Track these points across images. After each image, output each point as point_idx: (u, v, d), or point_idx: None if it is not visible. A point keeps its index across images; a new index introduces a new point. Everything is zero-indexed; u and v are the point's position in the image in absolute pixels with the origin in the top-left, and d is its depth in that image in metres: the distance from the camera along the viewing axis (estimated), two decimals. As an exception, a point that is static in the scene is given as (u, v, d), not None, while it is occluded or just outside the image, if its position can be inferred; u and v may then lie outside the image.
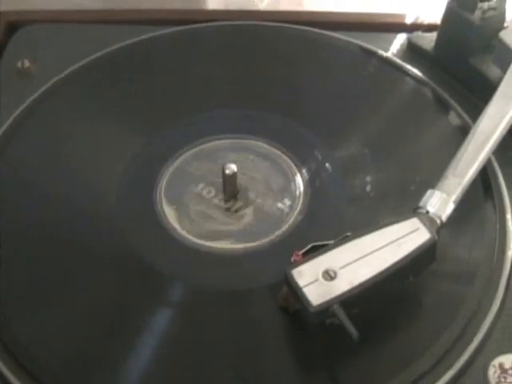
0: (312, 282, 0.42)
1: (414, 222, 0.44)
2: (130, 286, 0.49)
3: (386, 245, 0.43)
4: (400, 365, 0.43)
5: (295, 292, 0.42)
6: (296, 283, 0.42)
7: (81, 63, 0.63)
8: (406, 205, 0.47)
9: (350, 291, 0.41)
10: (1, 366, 0.44)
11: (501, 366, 0.44)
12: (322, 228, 0.50)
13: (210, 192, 0.54)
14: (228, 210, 0.53)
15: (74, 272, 0.49)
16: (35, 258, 0.50)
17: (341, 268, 0.42)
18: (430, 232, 0.44)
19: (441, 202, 0.46)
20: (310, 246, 0.44)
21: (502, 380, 0.43)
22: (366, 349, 0.43)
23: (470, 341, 0.44)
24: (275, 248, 0.50)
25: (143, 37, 0.65)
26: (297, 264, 0.43)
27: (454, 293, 0.47)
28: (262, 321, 0.47)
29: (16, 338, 0.45)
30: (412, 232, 0.44)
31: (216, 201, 0.54)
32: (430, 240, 0.43)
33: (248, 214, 0.53)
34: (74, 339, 0.46)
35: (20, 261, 0.50)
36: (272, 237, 0.51)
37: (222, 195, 0.54)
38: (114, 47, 0.64)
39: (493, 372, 0.43)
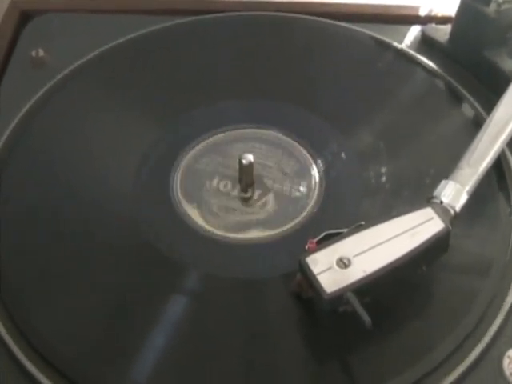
0: (326, 270, 0.42)
1: (427, 212, 0.44)
2: (146, 276, 0.49)
3: (400, 234, 0.43)
4: (415, 355, 0.43)
5: (309, 279, 0.42)
6: (310, 270, 0.42)
7: (94, 53, 0.63)
8: (421, 196, 0.47)
9: (363, 279, 0.41)
10: (18, 354, 0.45)
11: (515, 357, 0.44)
12: (337, 219, 0.50)
13: (227, 181, 0.54)
14: (244, 199, 0.53)
15: (90, 263, 0.49)
16: (51, 249, 0.50)
17: (355, 256, 0.42)
18: (444, 222, 0.44)
19: (455, 193, 0.46)
20: (324, 234, 0.45)
21: (517, 370, 0.43)
22: (381, 339, 0.44)
23: (485, 332, 0.45)
24: (290, 238, 0.51)
25: (157, 27, 0.65)
26: (311, 251, 0.43)
27: (468, 285, 0.47)
28: (275, 310, 0.47)
29: (33, 326, 0.46)
30: (426, 222, 0.44)
31: (232, 190, 0.54)
32: (443, 230, 0.44)
33: (262, 204, 0.53)
34: (90, 327, 0.46)
35: (36, 252, 0.50)
36: (287, 227, 0.51)
37: (238, 185, 0.54)
38: (127, 37, 0.64)
39: (507, 363, 0.44)
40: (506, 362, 0.44)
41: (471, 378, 0.43)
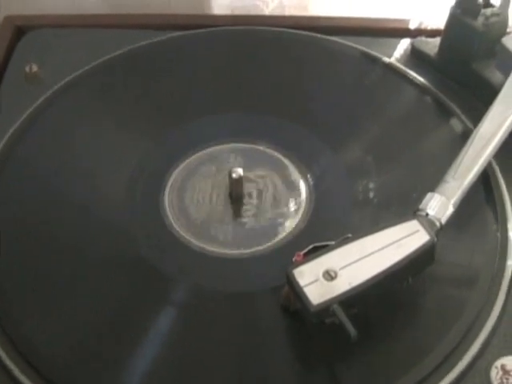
0: (312, 282, 0.42)
1: (413, 224, 0.45)
2: (135, 287, 0.49)
3: (386, 246, 0.43)
4: (403, 366, 0.44)
5: (296, 291, 0.42)
6: (297, 283, 0.42)
7: (87, 68, 0.63)
8: (409, 211, 0.47)
9: (349, 291, 0.42)
10: (10, 365, 0.45)
11: (503, 367, 0.44)
12: (326, 233, 0.50)
13: (216, 195, 0.55)
14: (234, 213, 0.53)
15: (80, 272, 0.50)
16: (41, 259, 0.50)
17: (341, 268, 0.43)
18: (430, 234, 0.44)
19: (440, 205, 0.46)
20: (311, 247, 0.45)
21: (504, 381, 0.43)
22: (369, 351, 0.44)
23: (472, 343, 0.45)
24: (279, 252, 0.51)
25: (149, 41, 0.65)
26: (298, 264, 0.43)
27: (456, 297, 0.47)
28: (265, 323, 0.47)
29: (24, 337, 0.46)
30: (411, 234, 0.44)
31: (221, 204, 0.54)
32: (429, 242, 0.44)
33: (252, 218, 0.53)
34: (80, 338, 0.46)
35: (27, 262, 0.50)
36: (276, 241, 0.52)
37: (228, 199, 0.54)
38: (120, 52, 0.65)
39: (495, 373, 0.44)
40: (493, 372, 0.44)
41: (459, 388, 0.43)
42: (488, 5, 0.58)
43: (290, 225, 0.52)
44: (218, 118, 0.60)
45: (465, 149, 0.50)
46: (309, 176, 0.55)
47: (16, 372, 0.44)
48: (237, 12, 0.73)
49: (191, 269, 0.50)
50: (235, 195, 0.54)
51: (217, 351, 0.45)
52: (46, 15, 0.70)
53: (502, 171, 0.54)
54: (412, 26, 0.67)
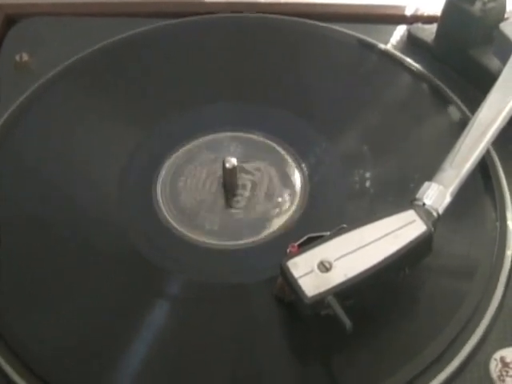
0: (307, 274, 0.41)
1: (410, 214, 0.44)
2: (128, 281, 0.48)
3: (382, 237, 0.43)
4: (402, 359, 0.43)
5: (290, 283, 0.42)
6: (291, 274, 0.42)
7: (78, 56, 0.63)
8: (406, 200, 0.47)
9: (344, 283, 0.41)
10: (2, 363, 0.44)
11: (502, 359, 0.43)
12: (321, 223, 0.49)
13: (210, 185, 0.54)
14: (228, 203, 0.53)
15: (73, 268, 0.49)
16: (34, 255, 0.50)
17: (336, 259, 0.42)
18: (426, 224, 0.43)
19: (437, 194, 0.46)
20: (305, 238, 0.44)
21: (504, 374, 0.43)
22: (367, 343, 0.43)
23: (471, 335, 0.44)
24: (274, 242, 0.50)
25: (142, 29, 0.65)
26: (292, 255, 0.43)
27: (455, 288, 0.47)
28: (260, 315, 0.46)
29: (16, 334, 0.45)
30: (408, 224, 0.43)
31: (216, 194, 0.53)
32: (425, 232, 0.43)
33: (247, 208, 0.53)
34: (73, 334, 0.46)
35: (19, 258, 0.50)
36: (271, 231, 0.51)
37: (222, 189, 0.53)
38: (112, 40, 0.64)
39: (494, 366, 0.43)
40: (493, 364, 0.43)
41: (458, 381, 0.43)
42: (485, -10, 0.57)
43: (284, 215, 0.52)
44: (212, 107, 0.59)
45: (462, 137, 0.49)
46: (304, 166, 0.55)
47: (13, 376, 0.44)
48: (230, -2, 0.72)
49: (185, 261, 0.50)
50: (229, 185, 0.53)
51: (214, 344, 0.45)
52: (38, 3, 0.69)
53: (500, 159, 0.53)
54: (408, 12, 0.67)
